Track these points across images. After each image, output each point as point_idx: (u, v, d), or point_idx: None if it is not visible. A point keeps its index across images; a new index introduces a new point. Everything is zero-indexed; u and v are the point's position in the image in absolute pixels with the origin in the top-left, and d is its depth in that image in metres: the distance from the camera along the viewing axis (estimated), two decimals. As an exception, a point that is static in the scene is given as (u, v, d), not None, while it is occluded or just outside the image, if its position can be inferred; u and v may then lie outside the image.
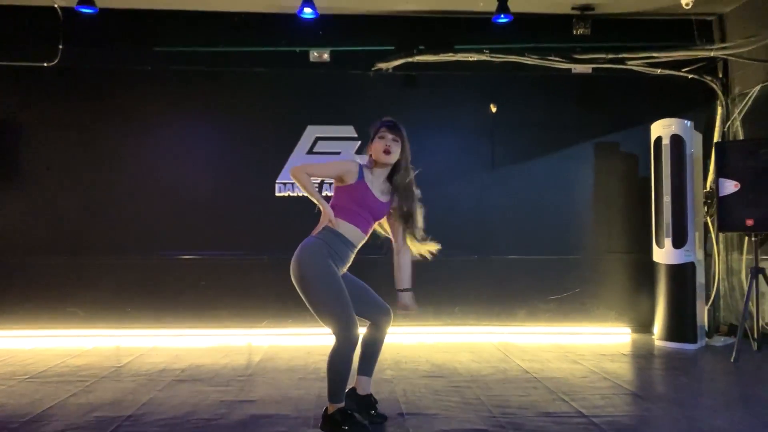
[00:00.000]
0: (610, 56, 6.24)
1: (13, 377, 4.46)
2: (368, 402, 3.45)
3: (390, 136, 3.39)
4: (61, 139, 6.17)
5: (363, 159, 3.58)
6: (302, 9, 5.53)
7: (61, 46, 6.09)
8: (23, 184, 6.13)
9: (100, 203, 6.16)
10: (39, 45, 6.10)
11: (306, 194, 3.29)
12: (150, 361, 5.02)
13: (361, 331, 3.29)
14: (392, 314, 3.47)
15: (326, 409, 3.21)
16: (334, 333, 3.12)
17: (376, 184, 3.38)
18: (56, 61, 6.09)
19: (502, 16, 5.68)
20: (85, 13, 5.63)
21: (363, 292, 3.41)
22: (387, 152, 3.33)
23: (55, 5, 5.99)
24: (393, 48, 6.28)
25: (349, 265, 3.39)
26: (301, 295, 3.20)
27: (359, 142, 6.32)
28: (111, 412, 3.60)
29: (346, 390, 3.26)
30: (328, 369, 3.16)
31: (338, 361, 3.12)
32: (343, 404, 3.19)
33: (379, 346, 3.49)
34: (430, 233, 6.42)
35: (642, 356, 5.32)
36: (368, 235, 3.43)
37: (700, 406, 3.82)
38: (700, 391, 4.26)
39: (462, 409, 3.69)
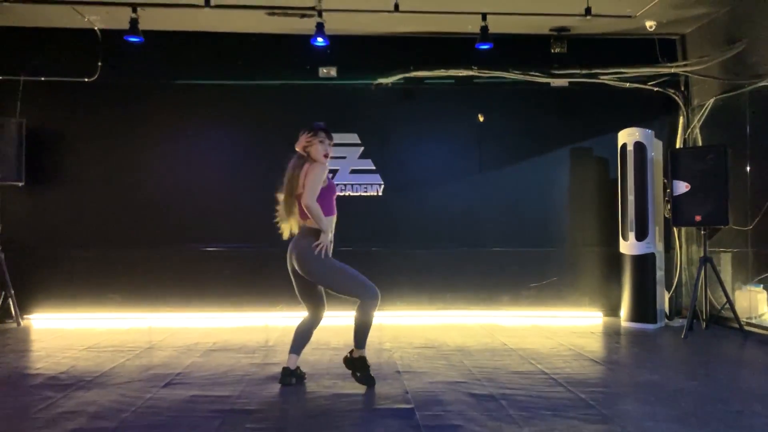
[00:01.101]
0: (585, 71, 7.11)
1: (72, 348, 5.31)
2: (299, 374, 4.18)
3: (328, 142, 4.10)
4: (101, 145, 7.02)
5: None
6: (315, 39, 6.37)
7: (100, 64, 6.94)
8: (68, 186, 6.98)
9: (135, 202, 7.00)
10: (81, 63, 6.95)
11: (318, 222, 3.91)
12: (183, 337, 5.87)
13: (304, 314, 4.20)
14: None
15: (351, 352, 4.09)
16: (360, 296, 3.93)
17: None
18: (96, 77, 6.94)
19: (484, 44, 6.51)
20: (132, 41, 6.43)
21: (316, 286, 4.14)
22: (327, 156, 4.07)
23: (95, 27, 6.84)
24: (392, 65, 7.11)
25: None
26: (318, 283, 4.02)
27: (362, 148, 7.15)
28: (163, 371, 4.45)
29: (285, 369, 4.07)
30: (360, 323, 3.97)
31: (369, 315, 3.96)
32: (364, 351, 4.06)
33: (312, 332, 4.21)
34: (425, 228, 7.28)
35: (607, 334, 6.16)
36: None
37: (643, 367, 4.66)
38: (648, 359, 5.09)
39: (447, 368, 4.54)
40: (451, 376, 4.30)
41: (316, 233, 3.94)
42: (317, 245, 3.90)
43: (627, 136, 6.60)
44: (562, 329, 6.38)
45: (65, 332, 6.16)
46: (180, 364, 4.67)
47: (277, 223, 4.07)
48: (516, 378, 4.25)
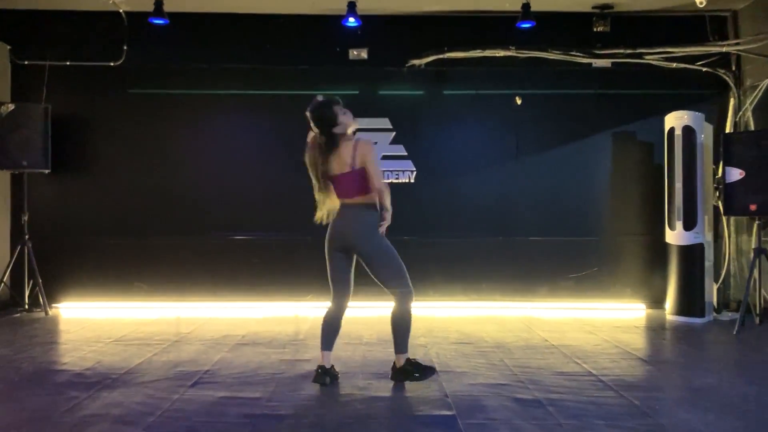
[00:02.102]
0: (629, 51, 6.72)
1: (100, 340, 5.18)
2: (334, 373, 3.94)
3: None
4: (128, 131, 6.87)
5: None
6: (347, 19, 6.11)
7: (125, 47, 6.76)
8: (95, 173, 6.86)
9: (163, 190, 6.85)
10: (106, 46, 6.79)
11: (387, 203, 3.75)
12: (212, 329, 5.71)
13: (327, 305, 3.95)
14: None
15: (394, 363, 3.89)
16: (401, 287, 3.75)
17: None
18: (122, 61, 6.77)
19: (525, 22, 6.18)
20: (157, 23, 6.25)
21: (351, 270, 3.92)
22: None
23: (121, 11, 6.65)
24: (425, 45, 6.81)
25: None
26: (371, 263, 3.78)
27: (393, 133, 6.89)
28: (190, 368, 4.28)
29: (320, 367, 3.84)
30: (398, 325, 3.79)
31: (409, 310, 3.80)
32: (408, 354, 3.84)
33: (340, 322, 3.94)
34: (459, 216, 7.02)
35: (652, 328, 5.85)
36: None
37: (696, 368, 4.37)
38: (700, 357, 4.80)
39: (487, 368, 4.30)
40: (492, 378, 4.06)
41: (376, 210, 3.78)
42: (384, 224, 3.77)
43: (675, 120, 6.24)
44: (603, 323, 6.09)
45: (92, 322, 6.05)
46: (208, 360, 4.50)
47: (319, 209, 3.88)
48: (562, 380, 4.00)
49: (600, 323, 6.07)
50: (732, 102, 6.78)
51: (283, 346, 4.99)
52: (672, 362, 4.60)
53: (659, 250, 6.57)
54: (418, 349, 4.85)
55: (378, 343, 5.03)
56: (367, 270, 3.84)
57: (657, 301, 6.79)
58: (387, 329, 3.91)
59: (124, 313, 6.55)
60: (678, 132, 6.18)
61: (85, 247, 6.80)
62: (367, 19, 6.62)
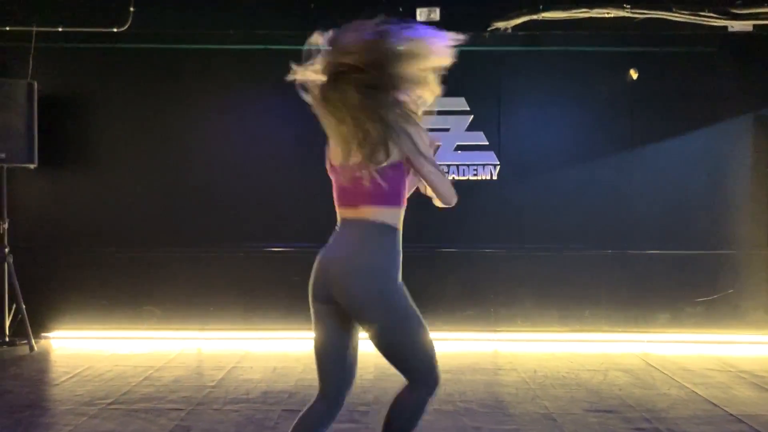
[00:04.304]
0: (778, 10, 5.21)
1: (93, 402, 3.76)
2: None
3: None
4: (134, 117, 5.50)
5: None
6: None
7: (132, 9, 5.33)
8: (94, 168, 5.47)
9: (179, 189, 5.46)
10: (108, 8, 5.37)
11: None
12: (246, 378, 4.29)
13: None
14: None
15: None
16: (425, 375, 2.18)
17: None
18: (127, 26, 5.34)
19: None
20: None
21: (353, 339, 2.28)
22: None
23: (125, -40, 5.23)
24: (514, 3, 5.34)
25: None
26: (381, 336, 2.16)
27: (471, 117, 5.45)
28: (223, 465, 2.85)
29: None
30: (411, 418, 2.20)
31: (423, 411, 2.21)
32: None
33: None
34: (555, 223, 5.55)
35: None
36: None
37: None
38: None
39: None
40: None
41: (395, 238, 2.19)
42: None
43: None
44: (756, 364, 4.63)
45: (92, 362, 4.67)
46: (247, 447, 3.06)
47: None
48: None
49: (753, 365, 4.60)
50: None
51: (349, 415, 3.54)
52: None
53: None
54: (543, 422, 3.39)
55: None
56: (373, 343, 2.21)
57: (811, 333, 5.31)
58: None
59: (133, 347, 5.17)
60: None
61: (82, 261, 5.41)
62: (440, -31, 5.17)
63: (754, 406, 3.72)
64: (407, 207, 2.26)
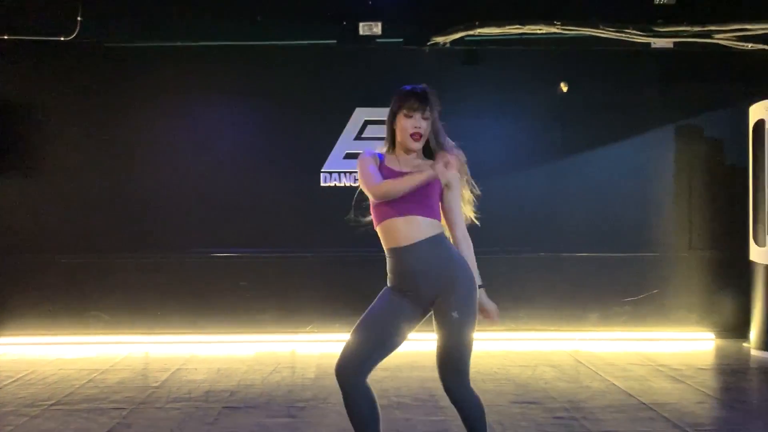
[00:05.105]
0: (696, 29, 5.57)
1: (35, 404, 3.83)
2: None
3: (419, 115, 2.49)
4: (82, 123, 5.57)
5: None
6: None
7: (80, 18, 5.41)
8: (38, 173, 5.52)
9: (126, 194, 5.55)
10: (56, 17, 5.43)
11: (409, 187, 2.40)
12: (190, 379, 4.40)
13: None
14: None
15: None
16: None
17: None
18: (74, 35, 5.42)
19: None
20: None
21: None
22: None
23: (73, -29, 5.31)
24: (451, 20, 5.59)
25: None
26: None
27: (412, 126, 5.64)
28: (160, 458, 2.98)
29: None
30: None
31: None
32: None
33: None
34: (490, 228, 5.78)
35: (741, 372, 4.70)
36: None
37: None
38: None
39: (582, 452, 3.07)
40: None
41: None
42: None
43: (765, 111, 5.09)
44: (675, 359, 4.96)
45: (36, 367, 4.71)
46: (186, 441, 3.20)
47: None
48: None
49: (672, 360, 4.92)
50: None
51: (287, 411, 3.70)
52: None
53: (734, 268, 5.49)
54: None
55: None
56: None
57: (728, 329, 5.69)
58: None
59: (79, 352, 5.23)
60: (768, 126, 5.04)
61: (26, 266, 5.46)
62: (381, -14, 5.40)
63: (665, 396, 4.01)
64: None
